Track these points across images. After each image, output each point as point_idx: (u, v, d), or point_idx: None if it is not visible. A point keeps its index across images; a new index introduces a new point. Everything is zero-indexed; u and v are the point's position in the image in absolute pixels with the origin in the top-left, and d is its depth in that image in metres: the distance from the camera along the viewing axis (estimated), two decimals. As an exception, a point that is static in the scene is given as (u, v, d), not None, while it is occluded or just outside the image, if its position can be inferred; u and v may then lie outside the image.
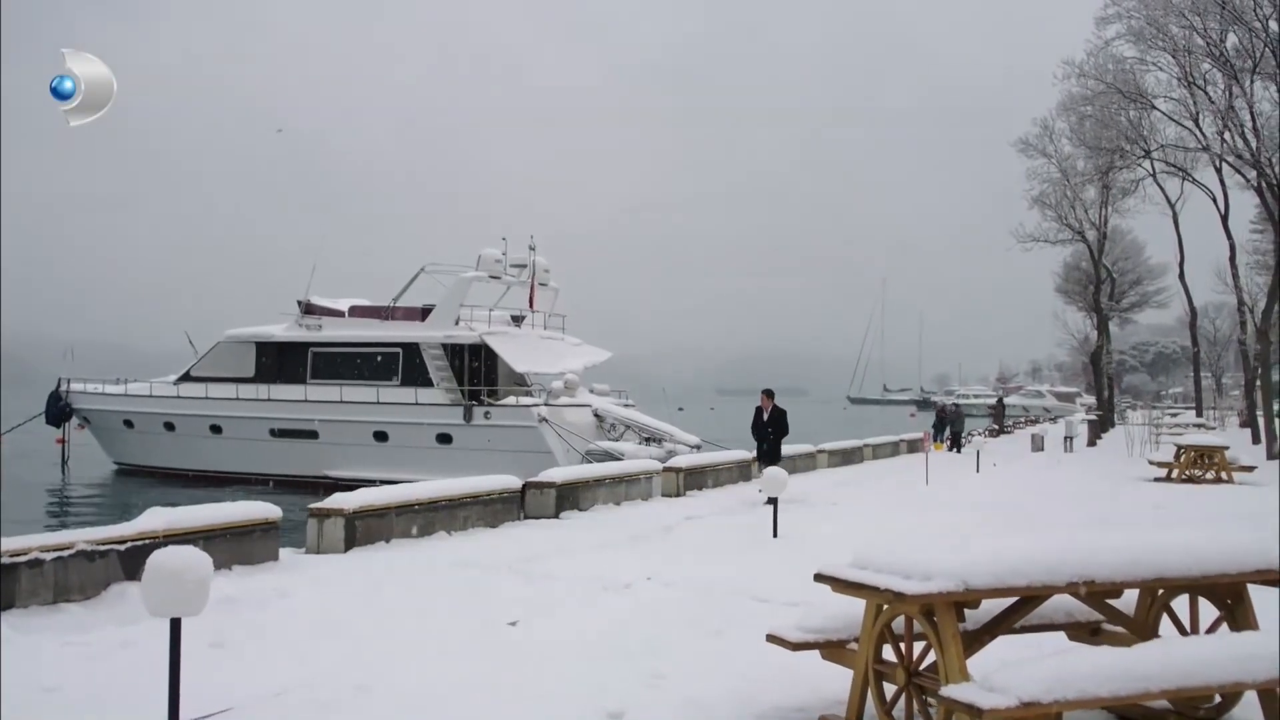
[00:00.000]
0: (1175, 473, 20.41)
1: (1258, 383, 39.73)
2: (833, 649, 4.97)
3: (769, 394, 17.71)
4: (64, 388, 32.16)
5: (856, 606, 4.96)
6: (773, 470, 12.80)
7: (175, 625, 4.68)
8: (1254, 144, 29.22)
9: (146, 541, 9.03)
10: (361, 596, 8.43)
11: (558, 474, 15.61)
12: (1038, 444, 35.78)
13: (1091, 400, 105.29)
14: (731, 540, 11.97)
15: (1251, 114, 29.35)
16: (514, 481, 14.35)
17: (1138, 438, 32.29)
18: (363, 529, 11.51)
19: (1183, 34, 31.29)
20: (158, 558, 4.59)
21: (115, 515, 24.12)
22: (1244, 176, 31.26)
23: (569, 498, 15.19)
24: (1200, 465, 20.19)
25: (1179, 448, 21.12)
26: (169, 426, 30.38)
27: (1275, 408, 29.30)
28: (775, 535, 12.01)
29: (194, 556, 4.63)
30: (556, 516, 14.68)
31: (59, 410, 31.72)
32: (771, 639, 5.07)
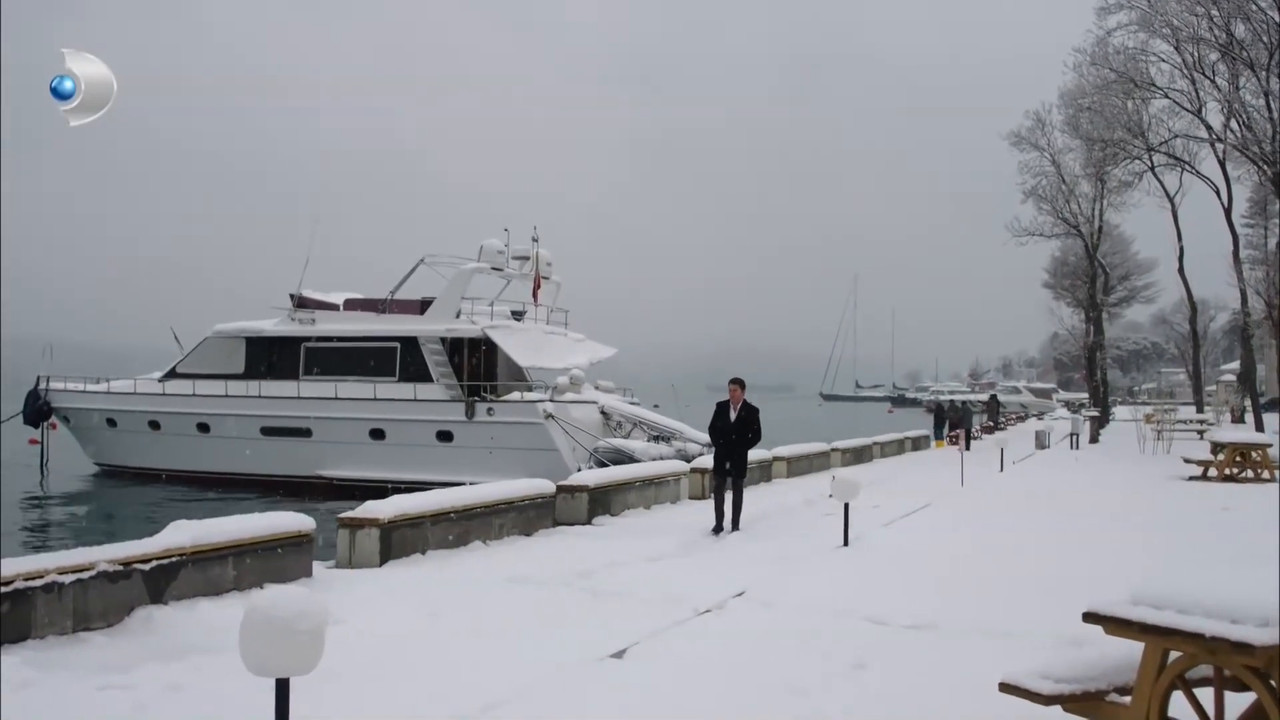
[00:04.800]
0: (1214, 471, 19.67)
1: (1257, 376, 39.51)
2: (1089, 702, 4.04)
3: (739, 384, 13.29)
4: (42, 386, 30.81)
5: (1115, 650, 4.05)
6: (844, 473, 11.90)
7: (283, 688, 3.68)
8: (1270, 133, 28.65)
9: (173, 559, 8.06)
10: (423, 622, 7.44)
11: (589, 477, 14.76)
12: (1042, 441, 35.13)
13: (1069, 396, 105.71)
14: (796, 550, 11.04)
15: (1268, 103, 28.79)
16: (547, 486, 13.45)
17: (1148, 435, 31.76)
18: (398, 540, 10.53)
19: (1192, 22, 30.77)
20: (262, 603, 3.61)
21: (103, 521, 22.98)
22: (1259, 166, 30.69)
23: (601, 502, 14.36)
24: (1241, 463, 19.46)
25: (1217, 445, 20.39)
26: (154, 425, 29.08)
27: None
28: (846, 544, 11.09)
29: (307, 601, 3.65)
30: (589, 522, 13.83)
31: (37, 409, 30.39)
32: (1010, 689, 4.15)
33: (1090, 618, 3.88)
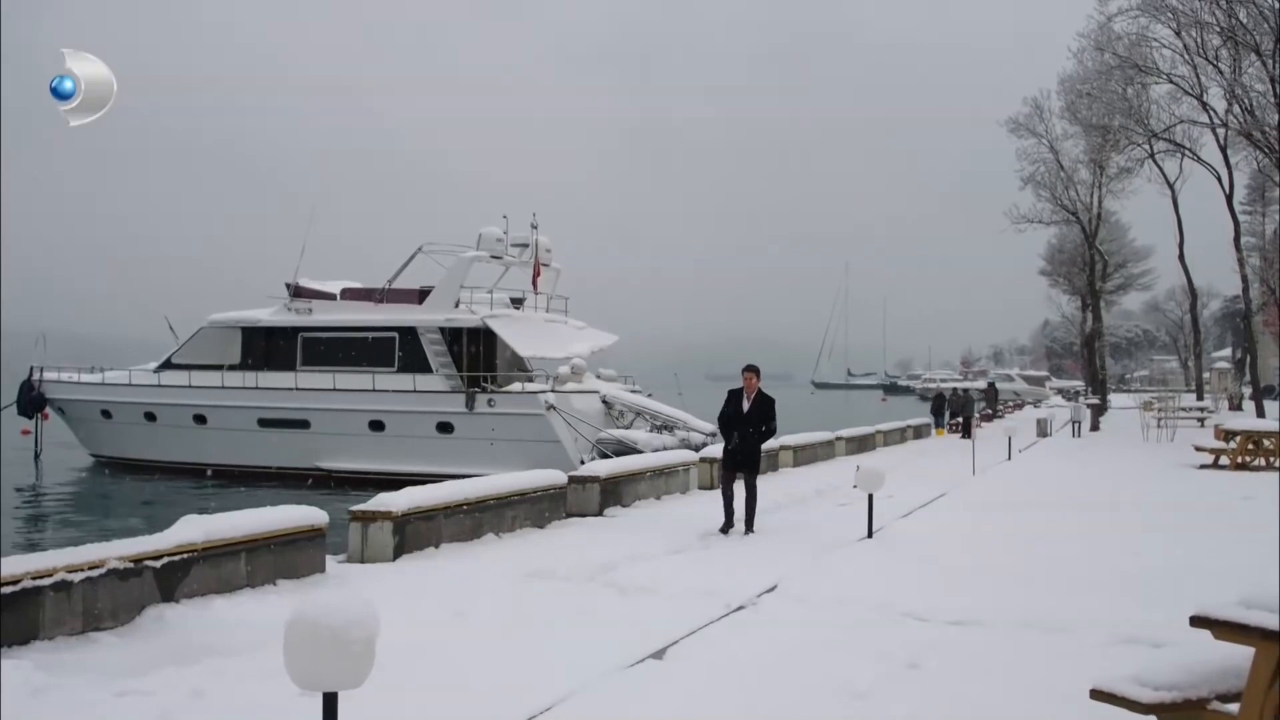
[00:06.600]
0: (1226, 459, 19.47)
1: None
2: (1190, 711, 3.77)
3: (754, 372, 12.09)
4: (36, 377, 30.39)
5: (1213, 654, 3.78)
6: (869, 462, 11.60)
7: (330, 702, 3.40)
8: (1277, 120, 28.40)
9: (185, 555, 7.78)
10: (450, 622, 7.15)
11: (600, 468, 14.51)
12: (1043, 429, 34.98)
13: (1061, 384, 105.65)
14: (819, 542, 10.77)
15: (1274, 88, 28.53)
16: (559, 476, 13.19)
17: (1150, 422, 31.61)
18: (411, 533, 10.26)
19: (1195, 6, 30.50)
20: (309, 611, 3.31)
21: (100, 514, 22.60)
22: (1263, 151, 30.47)
23: (612, 493, 14.14)
24: (1253, 451, 19.27)
25: (1229, 433, 20.19)
26: (150, 417, 28.68)
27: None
28: (870, 536, 10.85)
29: (357, 609, 3.36)
30: (600, 513, 13.61)
31: (31, 400, 29.98)
32: (1104, 696, 3.87)
33: (1199, 621, 3.62)
